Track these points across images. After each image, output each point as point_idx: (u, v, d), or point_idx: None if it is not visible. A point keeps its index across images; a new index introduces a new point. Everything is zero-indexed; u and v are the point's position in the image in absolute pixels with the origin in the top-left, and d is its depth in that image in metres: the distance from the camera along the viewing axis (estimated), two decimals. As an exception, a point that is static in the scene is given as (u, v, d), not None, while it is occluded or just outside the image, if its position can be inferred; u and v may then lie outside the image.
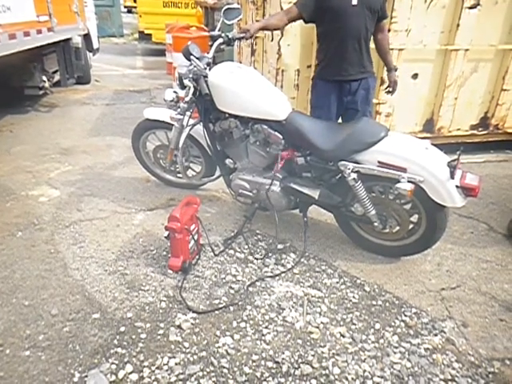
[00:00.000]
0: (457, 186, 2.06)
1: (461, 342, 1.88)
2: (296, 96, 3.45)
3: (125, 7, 17.95)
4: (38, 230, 2.62)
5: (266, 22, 2.66)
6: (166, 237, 2.22)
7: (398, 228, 2.36)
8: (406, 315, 2.04)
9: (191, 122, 2.74)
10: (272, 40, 3.42)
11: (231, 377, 1.68)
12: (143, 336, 1.85)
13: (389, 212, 2.33)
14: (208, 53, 2.56)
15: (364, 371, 1.72)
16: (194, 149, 2.96)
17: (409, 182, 2.05)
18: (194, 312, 2.00)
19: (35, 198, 3.02)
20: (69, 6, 5.41)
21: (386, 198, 2.32)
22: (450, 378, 1.71)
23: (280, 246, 2.55)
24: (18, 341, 1.80)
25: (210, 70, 2.47)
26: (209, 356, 1.77)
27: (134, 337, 1.84)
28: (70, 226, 2.67)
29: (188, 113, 2.71)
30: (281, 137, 2.41)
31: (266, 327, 1.93)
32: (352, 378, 1.69)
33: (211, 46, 2.59)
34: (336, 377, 1.70)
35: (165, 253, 2.42)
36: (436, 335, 1.92)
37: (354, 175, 2.19)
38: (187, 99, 2.57)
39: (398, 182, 2.08)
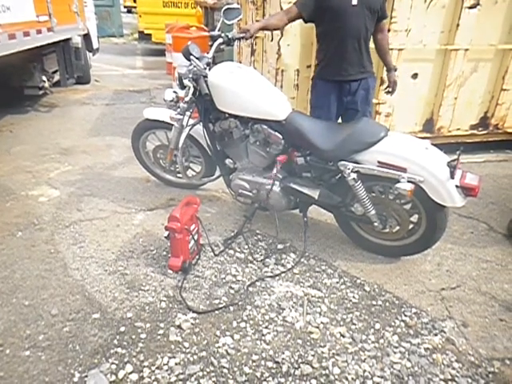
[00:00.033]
0: (457, 186, 2.06)
1: (461, 342, 1.89)
2: (296, 96, 3.45)
3: (125, 7, 17.94)
4: (38, 230, 2.62)
5: (265, 21, 2.67)
6: (166, 237, 2.22)
7: (397, 228, 2.36)
8: (406, 315, 2.04)
9: (191, 121, 2.74)
10: (272, 40, 3.42)
11: (231, 377, 1.68)
12: (143, 336, 1.85)
13: (389, 212, 2.33)
14: (208, 53, 2.57)
15: (364, 371, 1.72)
16: (194, 149, 2.96)
17: (409, 181, 2.06)
18: (194, 312, 2.00)
19: (35, 198, 3.02)
20: (68, 6, 5.41)
21: (386, 198, 2.32)
22: (449, 377, 1.71)
23: (280, 246, 2.55)
24: (18, 341, 1.80)
25: (209, 70, 2.47)
26: (209, 356, 1.77)
27: (133, 337, 1.85)
28: (70, 226, 2.68)
29: (188, 113, 2.71)
30: (281, 137, 2.41)
31: (266, 327, 1.93)
32: (352, 378, 1.69)
33: (211, 46, 2.59)
34: (336, 377, 1.70)
35: (165, 253, 2.42)
36: (436, 335, 1.92)
37: (354, 175, 2.20)
38: (187, 99, 2.57)
39: (398, 181, 2.08)
